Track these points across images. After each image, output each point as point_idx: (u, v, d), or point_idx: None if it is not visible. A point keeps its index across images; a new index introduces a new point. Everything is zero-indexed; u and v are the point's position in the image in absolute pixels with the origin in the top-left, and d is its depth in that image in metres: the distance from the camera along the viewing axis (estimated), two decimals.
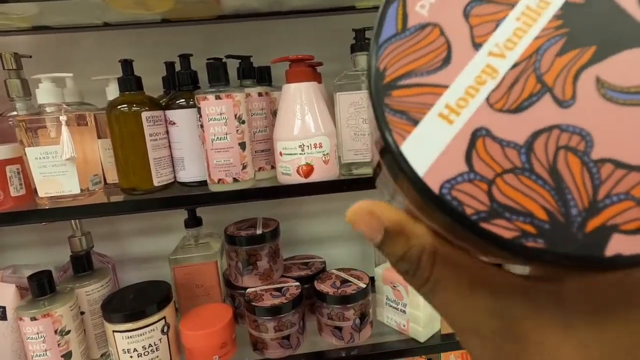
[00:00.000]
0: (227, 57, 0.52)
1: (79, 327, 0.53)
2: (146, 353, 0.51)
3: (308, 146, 0.47)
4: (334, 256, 0.72)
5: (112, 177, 0.54)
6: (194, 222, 0.62)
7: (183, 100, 0.50)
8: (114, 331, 0.50)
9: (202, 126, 0.47)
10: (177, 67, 0.54)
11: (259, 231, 0.58)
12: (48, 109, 0.47)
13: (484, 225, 0.11)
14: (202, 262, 0.59)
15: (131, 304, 0.51)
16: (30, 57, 0.54)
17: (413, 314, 0.56)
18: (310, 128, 0.47)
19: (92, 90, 0.58)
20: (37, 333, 0.48)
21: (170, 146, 0.52)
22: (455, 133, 0.11)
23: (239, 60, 0.55)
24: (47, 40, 0.62)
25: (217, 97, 0.46)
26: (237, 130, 0.47)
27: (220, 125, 0.47)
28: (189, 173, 0.52)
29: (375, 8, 0.62)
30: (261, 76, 0.57)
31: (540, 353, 0.12)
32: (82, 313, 0.54)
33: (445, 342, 0.57)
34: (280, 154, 0.49)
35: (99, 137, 0.53)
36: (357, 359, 0.55)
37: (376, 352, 0.55)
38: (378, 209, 0.13)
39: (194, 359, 0.52)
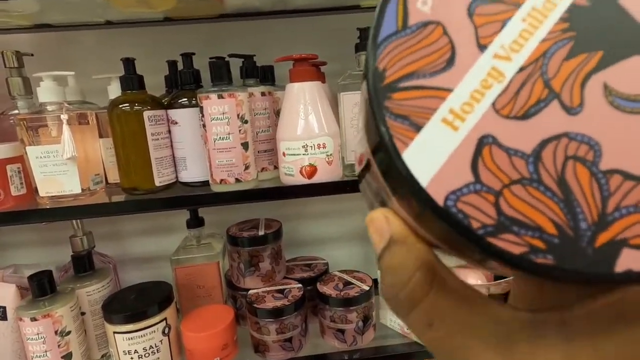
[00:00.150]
0: (230, 56, 0.52)
1: (80, 327, 0.52)
2: (147, 354, 0.50)
3: (311, 147, 0.47)
4: (337, 258, 0.71)
5: (114, 176, 0.53)
6: (196, 222, 0.61)
7: (185, 99, 0.50)
8: (114, 332, 0.49)
9: (204, 126, 0.47)
10: (180, 66, 0.53)
11: (261, 232, 0.57)
12: (49, 108, 0.47)
13: (492, 240, 0.10)
14: (204, 262, 0.59)
15: (132, 304, 0.51)
16: (32, 55, 0.54)
17: None
18: (313, 128, 0.47)
19: (93, 89, 0.58)
20: (37, 334, 0.48)
21: (172, 146, 0.51)
22: (460, 140, 0.11)
23: (242, 59, 0.55)
24: (49, 39, 0.61)
25: (220, 97, 0.45)
26: (239, 130, 0.47)
27: (223, 125, 0.46)
28: (191, 173, 0.51)
29: None
30: (264, 75, 0.57)
31: None
32: (83, 313, 0.54)
33: None
34: (284, 154, 0.48)
35: (101, 136, 0.53)
36: None
37: (379, 356, 0.54)
38: (392, 216, 0.12)
39: None
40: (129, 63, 0.48)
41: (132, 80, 0.48)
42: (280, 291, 0.56)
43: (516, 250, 0.10)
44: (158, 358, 0.51)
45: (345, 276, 0.59)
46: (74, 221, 0.58)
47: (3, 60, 0.51)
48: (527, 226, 0.10)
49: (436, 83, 0.11)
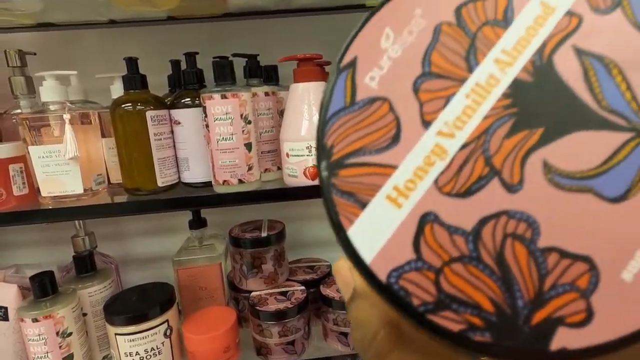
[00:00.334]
0: (234, 55, 0.51)
1: (81, 329, 0.52)
2: (148, 356, 0.50)
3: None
4: None
5: (116, 176, 0.53)
6: (198, 223, 0.61)
7: (188, 99, 0.49)
8: (116, 334, 0.49)
9: (207, 126, 0.46)
10: (183, 66, 0.53)
11: (264, 234, 0.57)
12: (52, 107, 0.47)
13: (431, 317, 0.11)
14: (206, 264, 0.58)
15: (134, 306, 0.50)
16: (35, 54, 0.54)
17: None
18: None
19: (96, 88, 0.58)
20: (39, 335, 0.47)
21: (174, 146, 0.51)
22: (403, 218, 0.11)
23: (246, 59, 0.54)
24: (52, 38, 0.61)
25: (223, 97, 0.45)
26: (243, 131, 0.46)
27: (226, 126, 0.45)
28: (193, 174, 0.51)
29: None
30: (268, 75, 0.56)
31: None
32: (85, 314, 0.54)
33: None
34: (287, 155, 0.47)
35: (103, 136, 0.52)
36: None
37: None
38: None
39: None
40: (131, 62, 0.48)
41: (134, 80, 0.48)
42: (283, 293, 0.56)
43: (455, 327, 0.10)
44: None
45: None
46: (75, 221, 0.58)
47: (6, 59, 0.51)
48: (465, 304, 0.11)
49: (381, 160, 0.11)
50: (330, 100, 0.12)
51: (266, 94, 0.52)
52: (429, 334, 0.11)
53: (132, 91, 0.48)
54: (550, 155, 0.11)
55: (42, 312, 0.48)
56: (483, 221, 0.11)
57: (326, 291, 0.55)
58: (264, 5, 0.56)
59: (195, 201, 0.48)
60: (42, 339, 0.48)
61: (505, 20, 0.12)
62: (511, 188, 0.11)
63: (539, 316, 0.10)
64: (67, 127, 0.45)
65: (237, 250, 0.57)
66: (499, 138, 0.11)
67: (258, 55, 0.55)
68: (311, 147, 0.46)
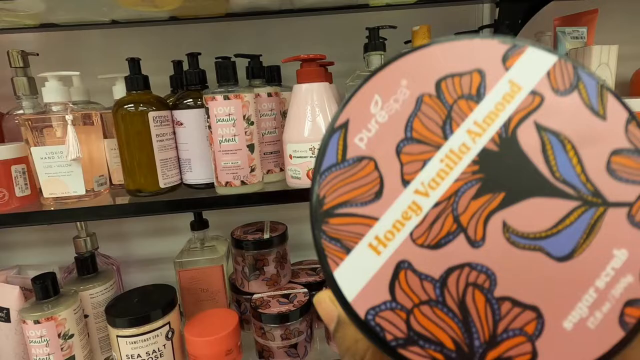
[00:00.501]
0: (236, 56, 0.51)
1: (83, 330, 0.52)
2: (150, 359, 0.49)
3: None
4: None
5: (118, 177, 0.53)
6: (200, 224, 0.61)
7: (191, 100, 0.49)
8: (117, 336, 0.49)
9: (209, 127, 0.46)
10: (185, 66, 0.53)
11: (266, 235, 0.56)
12: (54, 108, 0.46)
13: (401, 351, 0.12)
14: (208, 265, 0.58)
15: (135, 308, 0.50)
16: (37, 54, 0.54)
17: None
18: (321, 130, 0.45)
19: (98, 88, 0.57)
20: (40, 337, 0.47)
21: (177, 147, 0.50)
22: (381, 264, 0.13)
23: (248, 60, 0.54)
24: (55, 38, 0.61)
25: (226, 98, 0.45)
26: (245, 132, 0.46)
27: (229, 127, 0.45)
28: (195, 175, 0.50)
29: (389, 6, 0.60)
30: (271, 76, 0.56)
31: None
32: (86, 316, 0.53)
33: None
34: (290, 156, 0.47)
35: (105, 137, 0.52)
36: None
37: None
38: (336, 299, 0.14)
39: None
40: (134, 63, 0.48)
41: (137, 81, 0.48)
42: (286, 296, 0.55)
43: None
44: None
45: None
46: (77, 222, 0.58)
47: (9, 60, 0.51)
48: (431, 341, 0.12)
49: (365, 212, 0.13)
50: (324, 156, 0.14)
51: (269, 94, 0.51)
52: None
53: (134, 92, 0.48)
54: (509, 217, 0.13)
55: (44, 314, 0.47)
56: (449, 271, 0.13)
57: None
58: (267, 5, 0.56)
59: (197, 203, 0.48)
60: (44, 340, 0.47)
61: (478, 96, 0.13)
62: (474, 243, 0.13)
63: (491, 355, 0.12)
64: (70, 128, 0.45)
65: (239, 252, 0.56)
66: (466, 199, 0.13)
67: (261, 55, 0.55)
68: (314, 148, 0.45)
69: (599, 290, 0.12)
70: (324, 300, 0.15)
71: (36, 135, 0.46)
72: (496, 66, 0.13)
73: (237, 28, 0.63)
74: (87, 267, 0.55)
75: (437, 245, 0.13)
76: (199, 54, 0.52)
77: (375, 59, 0.51)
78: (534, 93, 0.13)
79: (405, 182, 0.13)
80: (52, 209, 0.46)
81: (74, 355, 0.50)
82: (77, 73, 0.50)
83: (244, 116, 0.45)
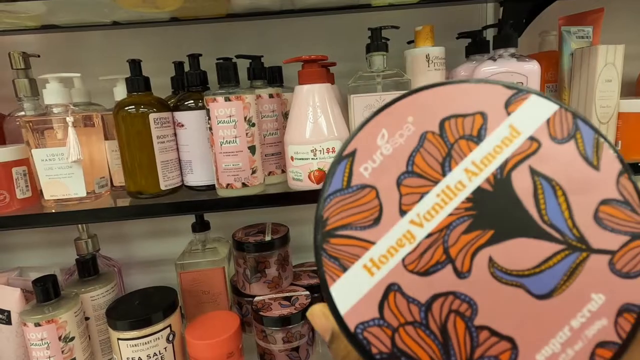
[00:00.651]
0: (238, 57, 0.50)
1: (84, 333, 0.51)
2: None
3: (320, 151, 0.45)
4: None
5: (119, 179, 0.52)
6: (201, 226, 0.60)
7: (192, 101, 0.49)
8: (118, 339, 0.48)
9: (210, 129, 0.45)
10: (186, 67, 0.52)
11: (268, 237, 0.56)
12: (55, 110, 0.46)
13: None
14: (209, 267, 0.58)
15: (136, 310, 0.50)
16: (39, 56, 0.53)
17: None
18: (323, 132, 0.45)
19: (99, 90, 0.57)
20: (41, 339, 0.47)
21: (178, 149, 0.50)
22: (374, 284, 0.14)
23: (250, 60, 0.53)
24: (56, 40, 0.61)
25: (227, 99, 0.44)
26: (246, 134, 0.45)
27: (230, 128, 0.45)
28: (196, 177, 0.50)
29: (392, 6, 0.60)
30: (272, 77, 0.55)
31: None
32: (87, 318, 0.53)
33: None
34: (292, 158, 0.47)
35: (106, 138, 0.52)
36: None
37: None
38: (329, 313, 0.15)
39: None
40: (135, 64, 0.48)
41: (138, 82, 0.47)
42: (287, 298, 0.55)
43: None
44: None
45: None
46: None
47: (10, 62, 0.51)
48: (412, 358, 0.13)
49: (364, 236, 0.14)
50: (331, 181, 0.15)
51: (270, 95, 0.51)
52: None
53: (135, 93, 0.48)
54: (495, 253, 0.14)
55: (44, 317, 0.47)
56: (435, 297, 0.14)
57: None
58: (268, 6, 0.55)
59: (198, 205, 0.48)
60: (45, 343, 0.47)
61: (478, 137, 0.14)
62: (461, 275, 0.14)
63: None
64: (71, 130, 0.45)
65: (241, 254, 0.56)
66: (457, 233, 0.14)
67: (262, 56, 0.54)
68: (316, 150, 0.45)
69: (573, 330, 0.13)
70: (317, 314, 0.16)
71: (37, 137, 0.46)
72: (498, 110, 0.14)
73: (238, 29, 0.63)
74: (88, 269, 0.55)
75: (426, 273, 0.14)
76: (200, 55, 0.51)
77: (378, 59, 0.50)
78: (532, 139, 0.14)
79: (403, 212, 0.14)
80: (53, 211, 0.46)
81: (74, 358, 0.50)
82: (78, 74, 0.49)
83: (245, 118, 0.45)
